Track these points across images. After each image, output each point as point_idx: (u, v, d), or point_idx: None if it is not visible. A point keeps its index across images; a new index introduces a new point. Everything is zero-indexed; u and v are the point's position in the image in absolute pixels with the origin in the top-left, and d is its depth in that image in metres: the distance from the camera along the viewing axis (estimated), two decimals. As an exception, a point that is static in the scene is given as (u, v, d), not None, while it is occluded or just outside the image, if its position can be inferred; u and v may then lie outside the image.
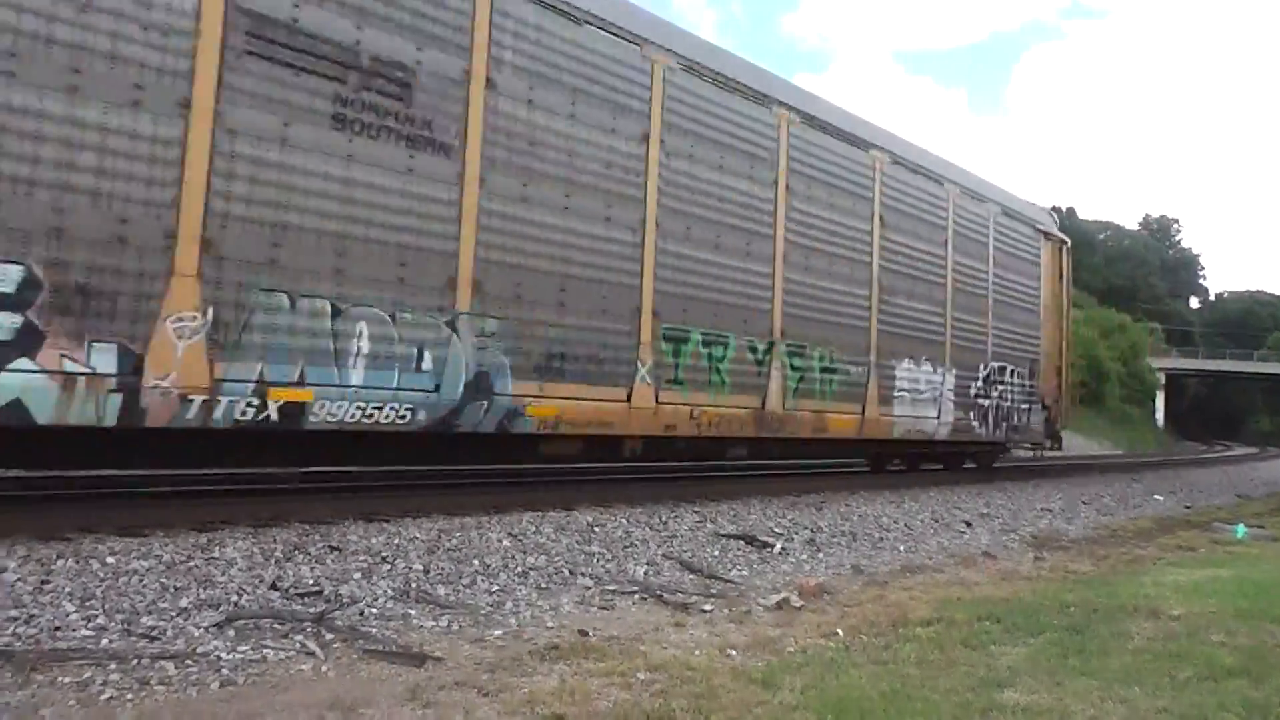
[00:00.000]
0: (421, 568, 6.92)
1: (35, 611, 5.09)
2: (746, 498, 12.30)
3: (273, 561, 6.60)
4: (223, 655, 4.77)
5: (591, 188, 10.30)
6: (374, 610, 5.83)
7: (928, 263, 15.97)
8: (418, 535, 7.87)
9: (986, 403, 17.61)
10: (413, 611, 5.88)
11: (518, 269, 9.51)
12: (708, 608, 6.56)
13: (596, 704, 4.32)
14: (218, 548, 6.77)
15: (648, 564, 7.95)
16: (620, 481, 12.98)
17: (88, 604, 5.31)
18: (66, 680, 4.28)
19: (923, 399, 15.66)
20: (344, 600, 5.91)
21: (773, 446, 13.48)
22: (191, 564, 6.29)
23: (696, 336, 11.39)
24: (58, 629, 4.94)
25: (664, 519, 9.97)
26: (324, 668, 4.75)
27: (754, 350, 12.23)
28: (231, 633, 5.12)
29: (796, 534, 10.03)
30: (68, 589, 5.52)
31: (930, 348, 15.94)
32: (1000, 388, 18.10)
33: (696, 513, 10.61)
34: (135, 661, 4.55)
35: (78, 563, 6.03)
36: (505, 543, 7.99)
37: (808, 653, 5.40)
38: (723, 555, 8.66)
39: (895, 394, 14.97)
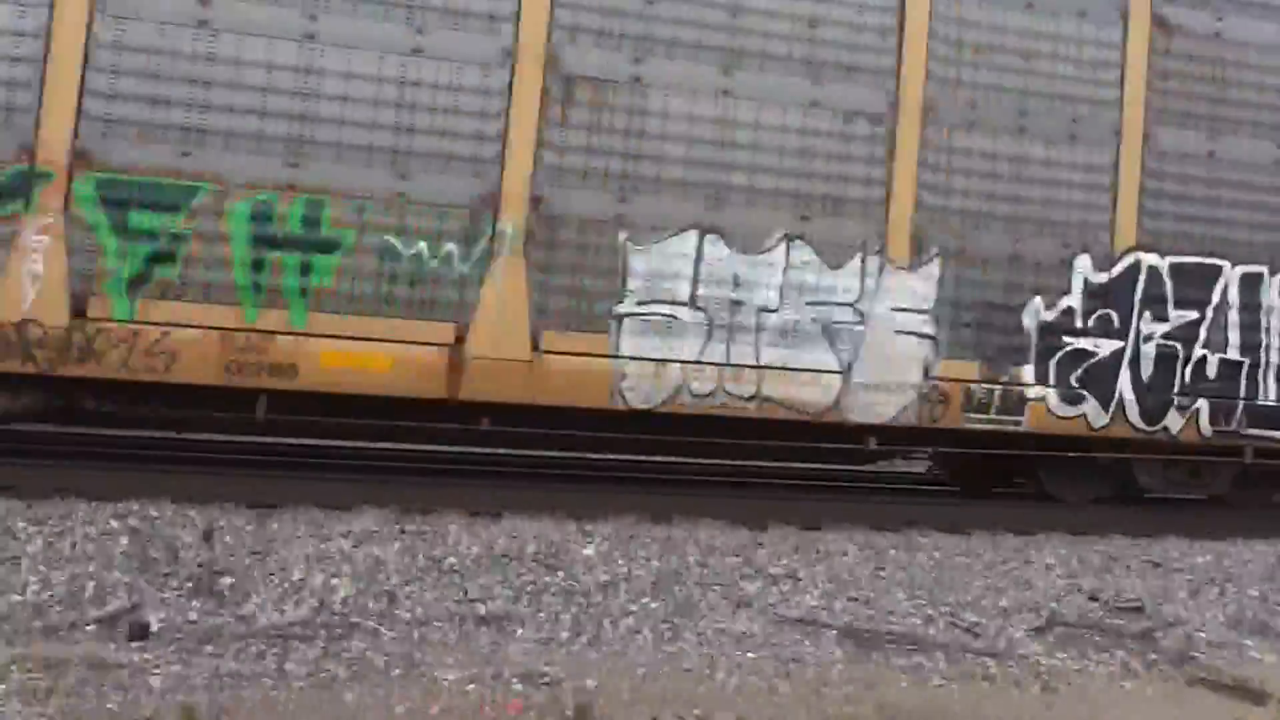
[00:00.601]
0: (1257, 594, 6.29)
1: (871, 595, 5.64)
2: None
3: (1090, 572, 6.50)
4: (1042, 660, 4.85)
5: None
6: (1202, 635, 5.45)
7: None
8: (1250, 558, 7.16)
9: (1162, 348, 7.55)
10: (1248, 642, 5.39)
11: None
12: None
13: None
14: (1034, 551, 6.84)
15: None
16: None
17: (916, 593, 5.74)
18: (900, 662, 4.69)
19: (768, 325, 6.99)
20: (1167, 620, 5.61)
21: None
22: (1009, 566, 6.46)
23: None
24: (890, 613, 5.42)
25: None
26: (1147, 689, 4.59)
27: None
28: (1051, 639, 5.17)
29: None
30: (898, 577, 6.02)
31: (820, 202, 7.07)
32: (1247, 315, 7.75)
33: None
34: (960, 654, 4.82)
35: (906, 553, 6.54)
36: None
37: None
38: None
39: (626, 307, 6.78)
